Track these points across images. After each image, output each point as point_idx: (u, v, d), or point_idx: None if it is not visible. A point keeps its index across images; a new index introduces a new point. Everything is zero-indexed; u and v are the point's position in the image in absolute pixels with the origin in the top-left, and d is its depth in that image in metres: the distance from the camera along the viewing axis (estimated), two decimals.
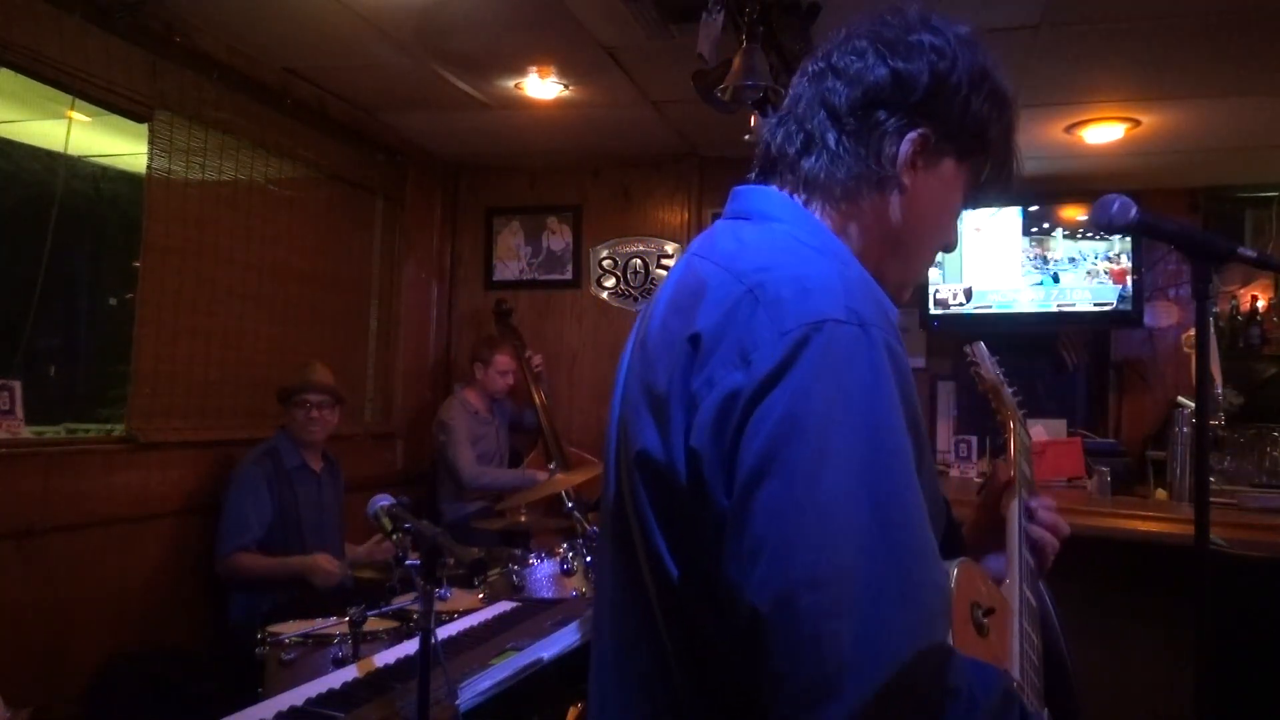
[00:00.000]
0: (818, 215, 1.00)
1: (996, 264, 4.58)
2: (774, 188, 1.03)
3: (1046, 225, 4.52)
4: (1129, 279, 4.38)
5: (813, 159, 1.00)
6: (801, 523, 0.76)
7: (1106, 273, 4.42)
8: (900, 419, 0.81)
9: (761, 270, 0.88)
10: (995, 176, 1.05)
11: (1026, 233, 4.54)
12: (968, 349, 1.41)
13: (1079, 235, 4.45)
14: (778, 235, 0.97)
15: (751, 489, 0.79)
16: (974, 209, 4.41)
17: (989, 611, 0.92)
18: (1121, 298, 4.39)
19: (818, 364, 0.80)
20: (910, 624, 0.73)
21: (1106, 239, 4.38)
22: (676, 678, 0.91)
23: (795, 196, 1.02)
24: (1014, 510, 1.21)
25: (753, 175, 1.07)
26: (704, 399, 0.85)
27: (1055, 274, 4.49)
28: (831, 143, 0.99)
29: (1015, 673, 0.98)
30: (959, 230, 1.07)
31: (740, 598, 0.78)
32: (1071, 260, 4.47)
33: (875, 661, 0.71)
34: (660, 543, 0.91)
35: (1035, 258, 4.53)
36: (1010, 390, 1.39)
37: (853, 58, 0.99)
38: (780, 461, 0.78)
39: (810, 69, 1.03)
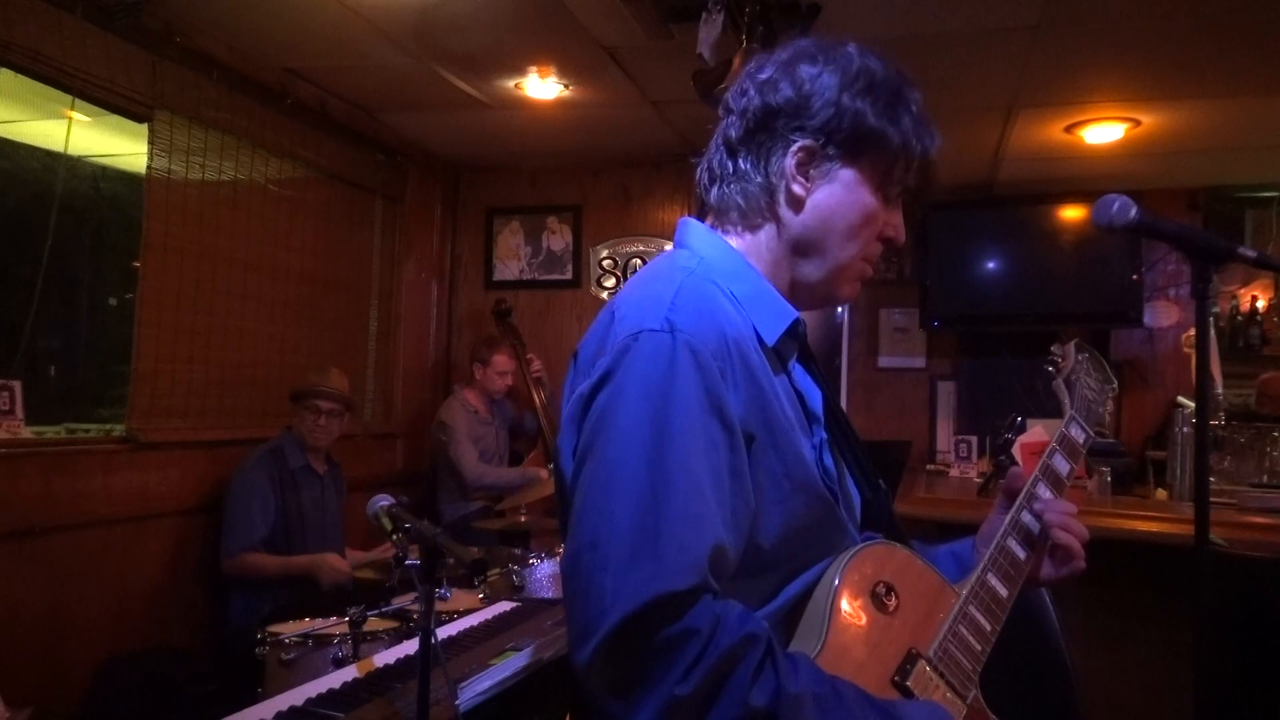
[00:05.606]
0: (728, 237, 1.14)
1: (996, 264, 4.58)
2: (695, 220, 1.18)
3: (1046, 225, 4.52)
4: (1129, 279, 4.38)
5: (717, 188, 1.15)
6: (593, 495, 0.94)
7: (1107, 272, 4.41)
8: (696, 405, 0.94)
9: (624, 297, 1.06)
10: (905, 168, 1.11)
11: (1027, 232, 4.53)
12: (1055, 348, 1.47)
13: (1079, 235, 4.45)
14: (664, 263, 1.12)
15: (577, 473, 0.98)
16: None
17: (890, 590, 1.06)
18: (1121, 297, 4.39)
19: (631, 365, 0.96)
20: (654, 577, 0.87)
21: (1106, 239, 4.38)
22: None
23: (709, 224, 1.17)
24: (1018, 503, 1.24)
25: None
26: (567, 403, 1.04)
27: (1056, 274, 4.49)
28: (730, 170, 1.13)
29: (932, 649, 1.06)
30: (898, 225, 1.15)
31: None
32: (1072, 260, 4.47)
33: (622, 606, 0.87)
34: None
35: (1035, 257, 4.52)
36: (1086, 390, 1.48)
37: (739, 97, 1.14)
38: (593, 447, 0.96)
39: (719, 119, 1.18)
